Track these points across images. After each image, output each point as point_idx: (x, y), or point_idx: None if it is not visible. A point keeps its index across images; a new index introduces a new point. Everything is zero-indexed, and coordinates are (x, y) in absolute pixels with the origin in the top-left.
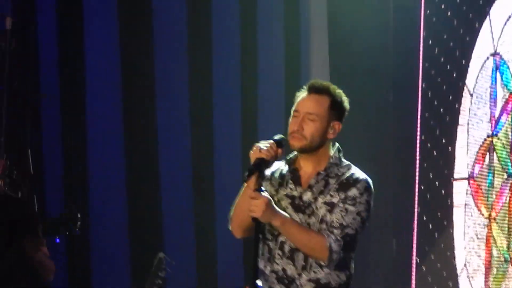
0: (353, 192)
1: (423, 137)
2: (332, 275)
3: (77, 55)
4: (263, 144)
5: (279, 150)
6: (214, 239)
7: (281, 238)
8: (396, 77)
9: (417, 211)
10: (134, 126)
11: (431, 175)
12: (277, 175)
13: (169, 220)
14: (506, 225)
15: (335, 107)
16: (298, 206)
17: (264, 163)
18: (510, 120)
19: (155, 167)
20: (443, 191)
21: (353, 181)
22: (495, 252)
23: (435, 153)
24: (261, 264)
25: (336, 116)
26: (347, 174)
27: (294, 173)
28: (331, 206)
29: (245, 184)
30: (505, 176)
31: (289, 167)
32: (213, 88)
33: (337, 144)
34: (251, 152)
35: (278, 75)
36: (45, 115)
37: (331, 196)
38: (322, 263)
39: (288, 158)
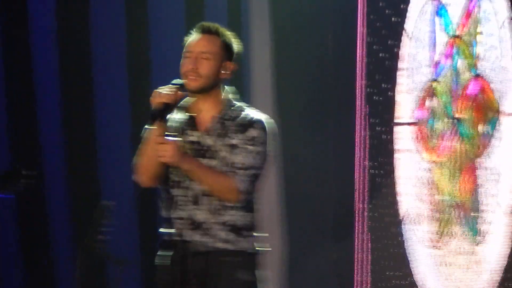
0: (251, 132)
1: (363, 82)
2: (238, 216)
3: None
4: (163, 89)
5: (179, 93)
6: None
7: (183, 184)
8: (335, 22)
9: (359, 157)
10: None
11: (372, 121)
12: (170, 123)
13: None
14: (449, 170)
15: (226, 47)
16: (198, 151)
17: (167, 107)
18: (450, 64)
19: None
20: (384, 136)
21: (249, 122)
22: (438, 197)
23: (375, 98)
24: (163, 213)
25: (228, 56)
26: (243, 115)
27: (190, 119)
28: (231, 148)
29: (148, 131)
30: (446, 120)
31: (184, 113)
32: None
33: (226, 87)
34: (151, 98)
35: None
36: None
37: (230, 138)
38: (229, 205)
39: (179, 106)
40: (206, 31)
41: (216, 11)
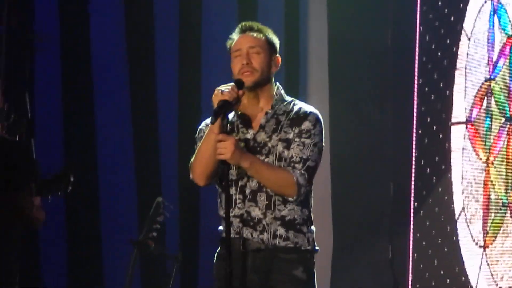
0: (306, 125)
1: (420, 81)
2: (296, 211)
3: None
4: (224, 87)
5: (240, 92)
6: None
7: (240, 183)
8: (394, 21)
9: (415, 155)
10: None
11: (428, 119)
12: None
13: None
14: (504, 169)
15: (270, 42)
16: (254, 147)
17: (228, 105)
18: (508, 63)
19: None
20: (441, 135)
21: (303, 115)
22: (493, 196)
23: (433, 97)
24: (220, 211)
25: (274, 50)
26: (295, 109)
27: (242, 117)
28: (287, 142)
29: (208, 129)
30: (503, 120)
31: (234, 113)
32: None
33: (277, 83)
34: (213, 96)
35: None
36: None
37: (285, 132)
38: (289, 199)
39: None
40: (248, 29)
41: (272, 12)
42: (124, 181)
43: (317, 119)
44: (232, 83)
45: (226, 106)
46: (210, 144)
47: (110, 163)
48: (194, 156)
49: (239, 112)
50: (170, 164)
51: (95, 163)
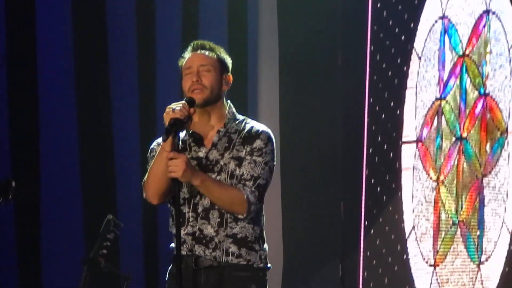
0: (258, 143)
1: (371, 100)
2: (247, 228)
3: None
4: (176, 105)
5: (192, 110)
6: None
7: (193, 200)
8: (344, 40)
9: (366, 174)
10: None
11: (379, 138)
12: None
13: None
14: (454, 188)
15: (222, 60)
16: (206, 165)
17: (179, 123)
18: (458, 83)
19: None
20: (391, 154)
21: (255, 134)
22: (443, 216)
23: (383, 116)
24: (173, 229)
25: (225, 69)
26: (247, 128)
27: (194, 136)
28: (239, 160)
29: (160, 148)
30: (453, 139)
31: (186, 131)
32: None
33: (229, 101)
34: (164, 114)
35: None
36: None
37: (237, 150)
38: (239, 217)
39: (186, 122)
40: (200, 47)
41: (216, 27)
42: (69, 194)
43: (269, 138)
44: (183, 101)
45: (177, 124)
46: (162, 162)
47: (53, 177)
48: (146, 175)
49: (191, 131)
50: (126, 178)
51: (38, 172)
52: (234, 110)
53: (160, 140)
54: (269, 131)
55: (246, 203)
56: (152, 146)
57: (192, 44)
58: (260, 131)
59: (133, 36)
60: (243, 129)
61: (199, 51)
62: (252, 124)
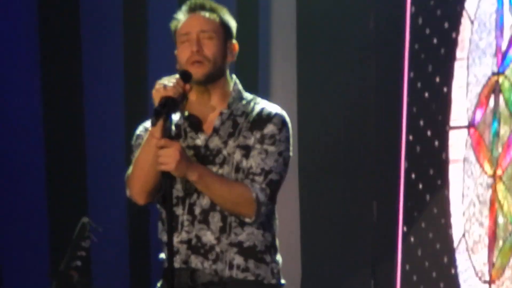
0: (270, 128)
1: (412, 75)
2: (257, 235)
3: None
4: (167, 80)
5: (187, 86)
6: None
7: (188, 200)
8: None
9: (404, 168)
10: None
11: (421, 123)
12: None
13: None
14: None
15: (225, 24)
16: (205, 156)
17: (172, 102)
18: None
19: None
20: (436, 143)
21: (266, 117)
22: (501, 220)
23: (426, 95)
24: (163, 236)
25: (229, 34)
26: (257, 109)
27: (191, 119)
28: (246, 150)
29: (147, 134)
30: None
31: (181, 114)
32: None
33: (234, 76)
34: (154, 91)
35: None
36: None
37: (244, 137)
38: (247, 220)
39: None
40: (198, 8)
41: None
42: (31, 189)
43: (284, 122)
44: (177, 75)
45: (169, 104)
46: (150, 152)
47: (12, 166)
48: (130, 168)
49: (187, 113)
50: (105, 170)
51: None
52: (240, 87)
53: (148, 124)
54: (284, 113)
55: (255, 203)
56: (138, 132)
57: (188, 3)
58: (273, 113)
59: None
60: (252, 111)
61: (198, 13)
62: (263, 104)
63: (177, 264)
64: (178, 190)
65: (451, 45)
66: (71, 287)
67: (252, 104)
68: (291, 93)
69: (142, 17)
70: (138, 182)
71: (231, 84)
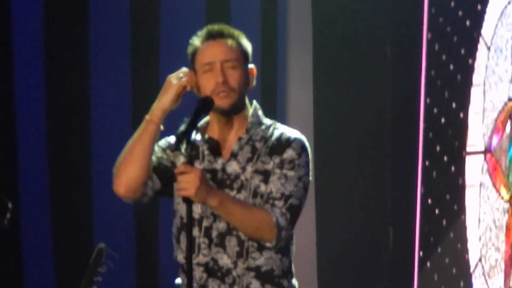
0: (290, 153)
1: (428, 101)
2: (275, 260)
3: None
4: (179, 73)
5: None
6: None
7: (205, 223)
8: (395, 26)
9: (421, 193)
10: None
11: (438, 148)
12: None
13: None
14: None
15: (245, 50)
16: (222, 180)
17: (193, 124)
18: None
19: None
20: (453, 168)
21: (286, 142)
22: None
23: (443, 120)
24: (179, 257)
25: (247, 60)
26: (276, 134)
27: (210, 142)
28: (264, 175)
29: (144, 121)
30: None
31: (201, 136)
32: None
33: (254, 101)
34: (166, 85)
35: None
36: None
37: (263, 162)
38: (267, 245)
39: (197, 127)
40: (218, 35)
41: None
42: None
43: (303, 147)
44: (184, 68)
45: (191, 126)
46: (147, 140)
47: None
48: (121, 154)
49: (207, 136)
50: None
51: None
52: (260, 112)
53: (171, 139)
54: (304, 138)
55: (276, 228)
56: (159, 144)
57: (207, 29)
58: (292, 138)
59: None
60: (271, 136)
61: (219, 40)
62: (282, 129)
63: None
64: (194, 212)
65: (468, 71)
66: None
67: (271, 129)
68: (307, 119)
69: (153, 17)
70: (123, 170)
71: (250, 110)
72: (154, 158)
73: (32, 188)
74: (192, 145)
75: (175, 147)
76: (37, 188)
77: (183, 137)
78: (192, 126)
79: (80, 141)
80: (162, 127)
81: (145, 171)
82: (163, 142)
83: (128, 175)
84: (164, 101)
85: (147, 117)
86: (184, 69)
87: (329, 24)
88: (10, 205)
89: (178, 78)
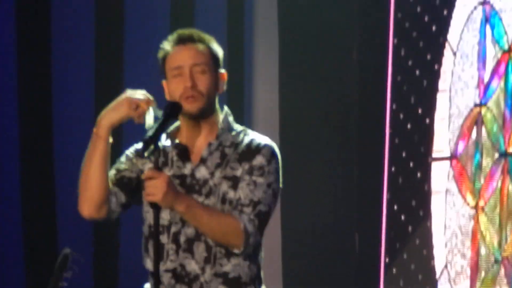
0: (259, 160)
1: (394, 106)
2: (242, 267)
3: None
4: (139, 94)
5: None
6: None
7: (173, 229)
8: (361, 30)
9: (386, 199)
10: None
11: (404, 154)
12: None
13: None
14: (497, 217)
15: (215, 55)
16: (191, 186)
17: (160, 130)
18: (502, 85)
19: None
20: (418, 174)
21: (255, 148)
22: (483, 251)
23: (409, 126)
24: (148, 264)
25: (218, 64)
26: (246, 141)
27: (179, 148)
28: (233, 181)
29: (94, 136)
30: (496, 155)
31: (171, 141)
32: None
33: (225, 107)
34: (124, 100)
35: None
36: None
37: (232, 168)
38: (235, 251)
39: (167, 132)
40: (189, 40)
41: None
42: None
43: (273, 153)
44: (143, 91)
45: (159, 131)
46: (98, 155)
47: None
48: (79, 176)
49: (176, 141)
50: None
51: None
52: (231, 118)
53: (139, 146)
54: (274, 145)
55: (243, 234)
56: (127, 152)
57: (176, 33)
58: (262, 144)
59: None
60: (241, 142)
61: (188, 45)
62: (252, 136)
63: None
64: (162, 218)
65: (434, 76)
66: None
67: (241, 135)
68: (273, 125)
69: (117, 19)
70: (83, 192)
71: (221, 115)
72: (113, 172)
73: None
74: (162, 150)
75: (141, 153)
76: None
77: (151, 142)
78: (160, 131)
79: (43, 143)
80: (111, 140)
81: (102, 190)
82: (130, 151)
83: (87, 196)
84: (112, 116)
85: (94, 130)
86: (144, 93)
87: (295, 28)
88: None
89: (134, 100)
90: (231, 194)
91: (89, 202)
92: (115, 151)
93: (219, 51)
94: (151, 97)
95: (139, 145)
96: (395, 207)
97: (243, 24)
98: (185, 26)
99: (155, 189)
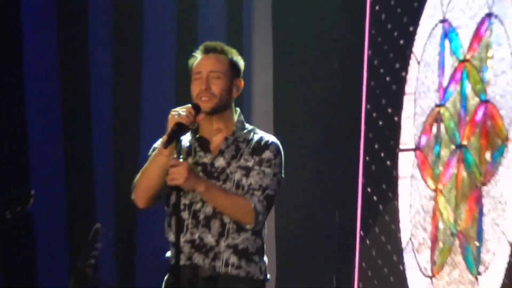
0: (267, 154)
1: (368, 107)
2: (250, 240)
3: None
4: (180, 109)
5: (200, 116)
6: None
7: (194, 207)
8: (341, 45)
9: (362, 183)
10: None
11: (376, 146)
12: (182, 144)
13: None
14: (453, 198)
15: (234, 65)
16: (211, 172)
17: (183, 129)
18: (458, 89)
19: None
20: (388, 163)
21: (264, 144)
22: (441, 226)
23: (380, 123)
24: (170, 236)
25: (236, 73)
26: (256, 138)
27: (201, 141)
28: (246, 170)
29: (157, 151)
30: (453, 147)
31: (193, 135)
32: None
33: (238, 109)
34: (169, 117)
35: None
36: None
37: (245, 160)
38: (247, 227)
39: (192, 128)
40: (211, 50)
41: (212, 26)
42: (55, 204)
43: (278, 149)
44: (189, 105)
45: (181, 130)
46: (158, 166)
47: (40, 187)
48: (138, 175)
49: (197, 135)
50: (105, 185)
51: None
52: (242, 118)
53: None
54: (278, 142)
55: (254, 213)
56: (155, 145)
57: (203, 45)
58: (269, 142)
59: (110, 37)
60: (252, 139)
61: (211, 54)
62: (261, 134)
63: (182, 261)
64: (185, 198)
65: (401, 82)
66: (86, 282)
67: (252, 133)
68: (268, 121)
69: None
70: (142, 189)
71: (235, 116)
72: None
73: None
74: (181, 146)
75: (165, 146)
76: None
77: (174, 135)
78: (179, 125)
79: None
80: (175, 155)
81: (156, 188)
82: (158, 143)
83: (143, 192)
84: (164, 136)
85: (158, 148)
86: (186, 107)
87: (287, 42)
88: (32, 192)
89: (176, 114)
90: (244, 181)
91: (147, 198)
92: (133, 147)
93: (240, 62)
94: (191, 110)
95: (164, 139)
96: (369, 189)
97: (241, 37)
98: (187, 40)
99: (177, 174)
